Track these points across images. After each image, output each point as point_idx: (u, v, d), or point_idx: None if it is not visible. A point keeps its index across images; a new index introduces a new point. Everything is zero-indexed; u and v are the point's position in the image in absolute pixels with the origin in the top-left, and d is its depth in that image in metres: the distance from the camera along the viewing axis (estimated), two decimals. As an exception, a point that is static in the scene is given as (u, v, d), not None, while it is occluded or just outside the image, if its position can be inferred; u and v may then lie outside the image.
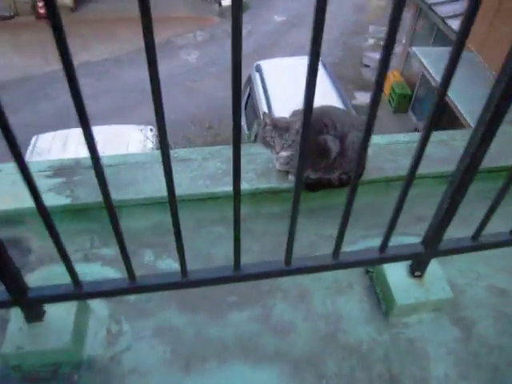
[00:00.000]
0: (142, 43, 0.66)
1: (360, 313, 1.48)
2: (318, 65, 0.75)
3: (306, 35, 12.61)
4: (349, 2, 15.14)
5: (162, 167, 0.87)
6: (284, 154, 1.71)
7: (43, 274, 1.53)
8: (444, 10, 8.45)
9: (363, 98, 10.93)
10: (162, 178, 0.90)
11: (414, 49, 8.60)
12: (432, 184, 1.77)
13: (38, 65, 10.97)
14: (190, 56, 12.63)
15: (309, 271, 1.27)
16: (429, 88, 8.78)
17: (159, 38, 12.29)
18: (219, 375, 1.33)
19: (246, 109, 7.08)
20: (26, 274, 1.46)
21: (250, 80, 7.16)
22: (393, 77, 10.53)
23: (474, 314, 1.49)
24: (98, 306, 1.45)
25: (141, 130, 6.64)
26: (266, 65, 7.25)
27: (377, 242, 1.25)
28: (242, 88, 0.85)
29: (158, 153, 0.87)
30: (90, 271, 1.56)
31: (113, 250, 1.57)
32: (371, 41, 13.55)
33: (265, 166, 1.87)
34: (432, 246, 1.29)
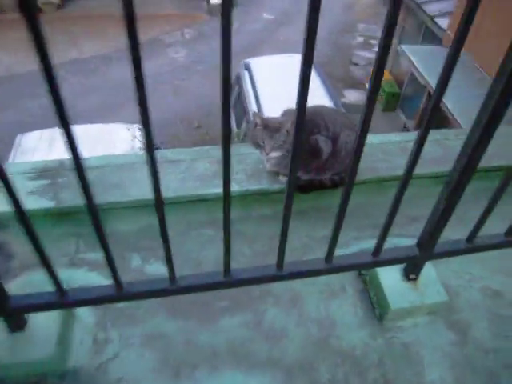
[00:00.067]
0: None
1: (353, 317, 1.45)
2: (312, 63, 0.72)
3: (295, 33, 12.59)
4: (338, 0, 15.16)
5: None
6: (274, 154, 1.67)
7: (26, 281, 1.47)
8: (432, 9, 8.50)
9: (352, 96, 10.98)
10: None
11: (403, 47, 8.64)
12: (426, 184, 1.75)
13: (23, 62, 10.79)
14: (177, 54, 12.53)
15: (301, 276, 1.24)
16: (417, 86, 8.82)
17: (146, 36, 12.17)
18: (210, 383, 1.30)
19: (234, 107, 7.04)
20: (8, 280, 1.41)
21: (238, 78, 7.12)
22: (382, 75, 10.55)
23: (468, 316, 1.47)
24: (84, 312, 1.40)
25: (128, 129, 6.41)
26: (255, 62, 7.21)
27: (370, 243, 1.22)
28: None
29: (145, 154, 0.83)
30: (76, 277, 1.51)
31: (99, 255, 1.51)
32: (360, 39, 13.59)
33: (255, 166, 1.83)
34: (427, 249, 1.26)
